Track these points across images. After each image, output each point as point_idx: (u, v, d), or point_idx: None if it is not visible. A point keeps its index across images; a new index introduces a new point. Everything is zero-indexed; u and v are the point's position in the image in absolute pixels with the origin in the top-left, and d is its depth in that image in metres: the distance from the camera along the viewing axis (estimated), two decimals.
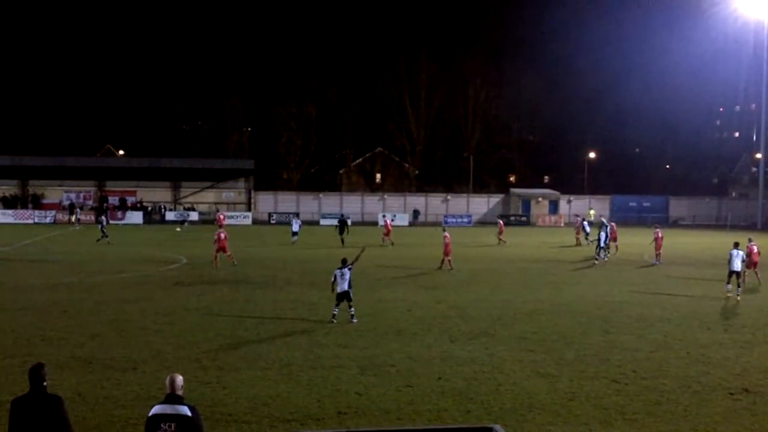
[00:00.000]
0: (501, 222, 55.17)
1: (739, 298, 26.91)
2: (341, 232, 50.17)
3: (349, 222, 54.67)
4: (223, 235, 36.06)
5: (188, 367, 15.82)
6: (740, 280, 27.66)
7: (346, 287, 21.43)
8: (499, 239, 52.59)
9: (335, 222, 57.83)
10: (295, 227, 52.30)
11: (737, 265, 27.35)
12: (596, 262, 39.04)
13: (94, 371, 15.70)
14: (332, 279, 21.77)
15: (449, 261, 35.63)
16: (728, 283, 27.81)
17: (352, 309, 21.56)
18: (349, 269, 21.66)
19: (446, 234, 36.21)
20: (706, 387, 15.09)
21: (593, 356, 17.56)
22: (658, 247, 40.00)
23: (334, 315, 21.39)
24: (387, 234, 50.46)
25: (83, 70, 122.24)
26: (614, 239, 44.47)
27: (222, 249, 35.84)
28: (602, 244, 39.73)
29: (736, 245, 28.03)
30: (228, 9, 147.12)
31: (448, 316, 22.70)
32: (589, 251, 43.71)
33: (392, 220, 58.57)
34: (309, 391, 14.48)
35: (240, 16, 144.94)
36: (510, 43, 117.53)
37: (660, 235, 40.22)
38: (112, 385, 14.72)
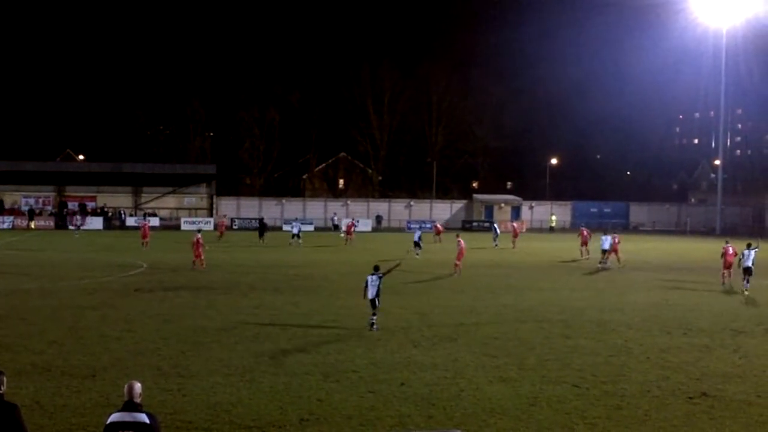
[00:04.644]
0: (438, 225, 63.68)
1: (747, 293, 29.63)
2: (261, 234, 52.74)
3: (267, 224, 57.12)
4: None
5: (148, 374, 15.62)
6: (750, 277, 30.14)
7: (372, 295, 21.24)
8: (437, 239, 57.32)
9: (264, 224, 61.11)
10: (296, 230, 53.69)
11: (749, 263, 30.18)
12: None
13: (52, 379, 15.46)
14: (364, 285, 21.66)
15: (457, 266, 35.74)
16: (744, 280, 30.35)
17: (375, 317, 21.29)
18: (380, 278, 21.36)
19: (460, 239, 36.50)
20: (665, 391, 15.24)
21: (554, 361, 17.67)
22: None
23: (372, 323, 21.17)
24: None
25: (42, 72, 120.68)
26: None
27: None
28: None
29: (749, 246, 30.99)
30: (190, 14, 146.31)
31: (411, 322, 22.70)
32: (554, 257, 44.04)
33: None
34: (271, 397, 14.39)
35: (202, 21, 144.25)
36: (474, 50, 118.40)
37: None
38: (70, 392, 14.51)
